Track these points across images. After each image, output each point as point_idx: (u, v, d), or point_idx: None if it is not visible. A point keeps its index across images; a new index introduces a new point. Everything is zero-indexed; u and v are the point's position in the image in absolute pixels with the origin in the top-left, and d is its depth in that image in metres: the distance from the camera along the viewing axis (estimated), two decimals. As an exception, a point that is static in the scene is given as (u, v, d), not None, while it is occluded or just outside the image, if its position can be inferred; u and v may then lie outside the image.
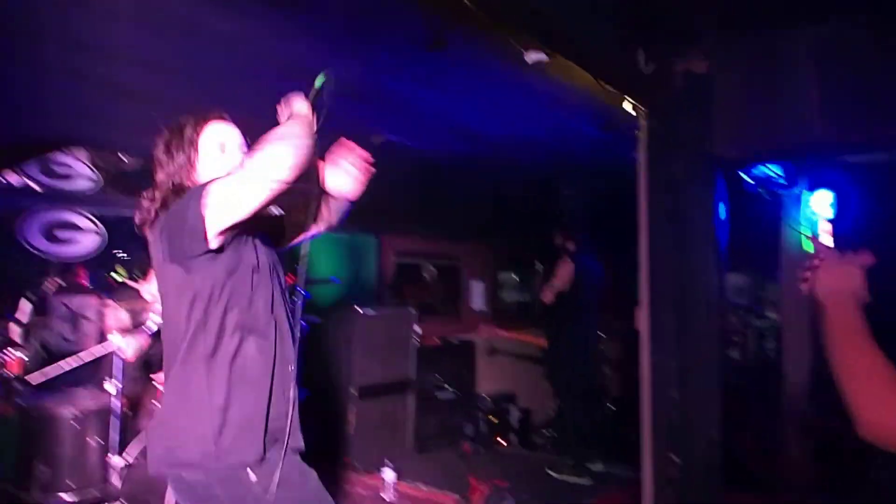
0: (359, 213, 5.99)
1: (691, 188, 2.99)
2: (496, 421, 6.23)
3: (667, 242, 2.98)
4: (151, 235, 1.85)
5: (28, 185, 3.89)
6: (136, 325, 3.32)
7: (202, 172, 1.88)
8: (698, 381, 3.07)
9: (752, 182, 4.32)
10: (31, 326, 3.30)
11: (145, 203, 1.87)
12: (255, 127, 1.86)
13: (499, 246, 7.30)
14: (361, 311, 5.15)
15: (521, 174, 4.97)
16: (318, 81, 1.88)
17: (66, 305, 4.24)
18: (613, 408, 6.97)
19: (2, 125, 3.27)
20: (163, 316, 1.94)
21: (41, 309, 4.09)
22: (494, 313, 7.19)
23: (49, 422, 3.07)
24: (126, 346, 3.12)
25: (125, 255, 4.48)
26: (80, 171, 4.12)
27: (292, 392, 1.88)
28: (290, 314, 1.98)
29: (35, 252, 4.08)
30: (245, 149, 1.94)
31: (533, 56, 2.57)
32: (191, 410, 1.78)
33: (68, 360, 3.11)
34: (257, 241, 1.92)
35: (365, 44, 2.74)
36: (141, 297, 3.80)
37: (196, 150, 1.90)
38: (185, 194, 1.76)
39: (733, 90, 2.95)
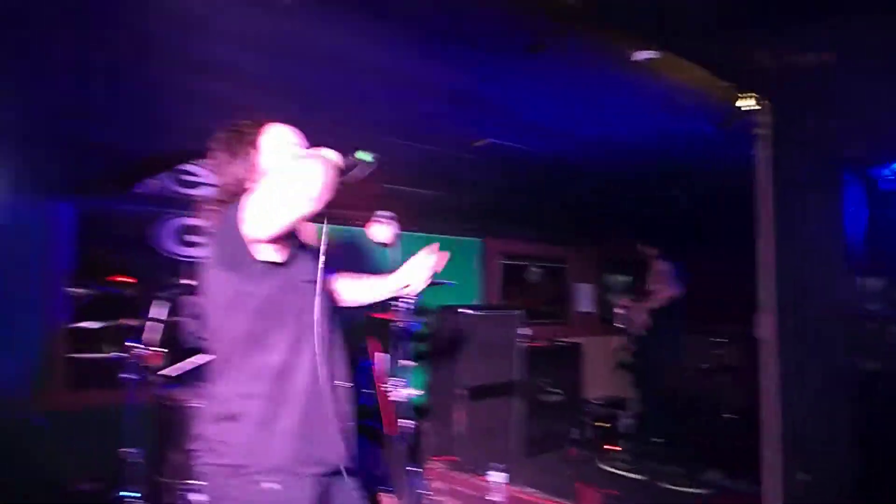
0: (463, 215, 6.08)
1: (816, 188, 2.79)
2: (605, 426, 6.09)
3: (790, 245, 2.79)
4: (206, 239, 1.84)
5: (162, 194, 4.23)
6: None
7: (263, 174, 1.84)
8: (827, 392, 2.86)
9: (890, 179, 3.98)
10: (166, 324, 3.57)
11: (209, 206, 1.85)
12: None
13: (606, 248, 7.13)
14: (468, 313, 5.19)
15: (629, 175, 4.82)
16: (365, 157, 1.86)
17: (197, 305, 4.57)
18: (731, 416, 6.64)
19: (140, 141, 3.56)
20: (209, 321, 1.88)
21: (174, 308, 4.44)
22: (601, 315, 7.03)
23: (182, 412, 3.31)
24: None
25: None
26: (205, 179, 4.44)
27: (342, 407, 1.89)
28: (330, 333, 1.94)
29: (168, 255, 4.44)
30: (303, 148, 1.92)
31: (642, 54, 2.49)
32: (230, 418, 1.77)
33: (199, 356, 3.34)
34: (320, 258, 1.90)
35: (466, 49, 2.76)
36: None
37: (257, 151, 1.88)
38: (239, 201, 1.69)
39: (864, 82, 2.72)
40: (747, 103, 3.02)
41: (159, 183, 4.19)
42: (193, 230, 4.56)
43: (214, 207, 1.83)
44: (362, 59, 2.86)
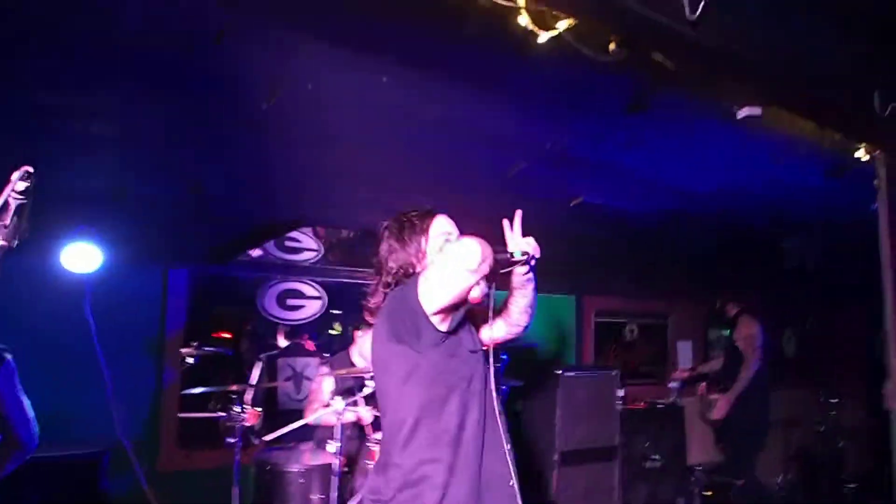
0: (559, 273, 5.99)
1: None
2: (709, 494, 5.69)
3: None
4: (374, 318, 2.04)
5: (267, 258, 4.43)
6: (352, 389, 3.55)
7: (428, 260, 2.04)
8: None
9: None
10: (262, 386, 3.68)
11: (378, 287, 2.07)
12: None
13: (708, 303, 6.82)
14: (562, 373, 5.05)
15: (736, 229, 4.63)
16: (520, 256, 2.03)
17: (291, 367, 4.69)
18: (853, 484, 6.09)
19: (246, 212, 3.76)
20: (380, 393, 2.06)
21: (271, 371, 4.58)
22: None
23: (280, 475, 3.35)
24: (362, 412, 3.35)
25: (341, 312, 4.91)
26: (306, 244, 4.62)
27: (511, 469, 1.97)
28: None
29: (271, 318, 4.61)
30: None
31: (745, 111, 2.40)
32: (413, 484, 1.88)
33: (296, 423, 3.39)
34: (472, 328, 2.09)
35: (566, 114, 2.77)
36: (351, 361, 4.07)
37: (427, 239, 2.07)
38: (410, 281, 1.93)
39: None
40: (860, 154, 2.85)
41: (265, 250, 4.41)
42: (294, 294, 4.73)
43: (383, 289, 2.06)
44: (469, 127, 2.92)
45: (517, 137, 3.07)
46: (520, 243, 2.08)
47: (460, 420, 1.91)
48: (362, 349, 4.03)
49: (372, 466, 2.14)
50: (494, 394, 2.04)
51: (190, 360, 4.10)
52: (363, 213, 4.12)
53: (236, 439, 3.38)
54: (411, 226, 2.09)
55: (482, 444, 1.95)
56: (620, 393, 5.40)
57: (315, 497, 3.32)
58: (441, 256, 1.93)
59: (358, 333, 4.07)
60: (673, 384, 6.12)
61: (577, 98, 2.67)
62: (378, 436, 3.68)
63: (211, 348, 4.25)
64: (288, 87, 2.45)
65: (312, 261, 4.65)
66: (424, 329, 1.87)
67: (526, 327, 2.28)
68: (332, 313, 4.93)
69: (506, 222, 2.11)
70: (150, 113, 2.65)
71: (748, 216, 4.32)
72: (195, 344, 4.11)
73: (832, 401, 6.51)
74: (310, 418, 3.53)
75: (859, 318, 6.35)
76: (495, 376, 3.63)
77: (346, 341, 4.30)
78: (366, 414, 3.79)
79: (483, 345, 2.10)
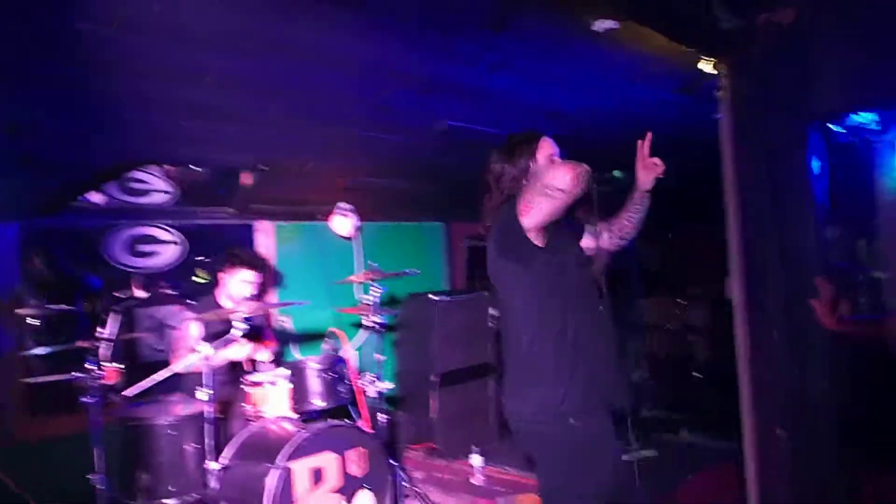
0: (428, 200, 5.97)
1: (783, 147, 2.77)
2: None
3: (760, 207, 2.77)
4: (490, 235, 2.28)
5: (110, 204, 4.02)
6: (221, 332, 3.38)
7: (535, 179, 2.18)
8: (809, 349, 2.87)
9: (842, 131, 4.01)
10: (121, 340, 3.41)
11: (490, 205, 2.34)
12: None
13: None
14: (436, 299, 5.12)
15: (597, 150, 4.78)
16: (618, 174, 2.42)
17: (152, 317, 4.38)
18: (700, 375, 6.76)
19: (82, 151, 3.35)
20: (500, 304, 2.40)
21: (129, 322, 4.24)
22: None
23: (147, 430, 3.16)
24: (215, 354, 3.17)
25: (205, 259, 4.61)
26: (155, 185, 4.23)
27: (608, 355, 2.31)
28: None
29: (120, 267, 4.24)
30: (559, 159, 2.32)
31: (602, 24, 2.42)
32: (542, 381, 2.20)
33: (161, 372, 3.19)
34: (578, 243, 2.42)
35: (434, 37, 2.65)
36: (219, 304, 3.87)
37: (535, 159, 2.28)
38: (515, 200, 2.14)
39: (826, 38, 2.69)
40: (707, 67, 2.98)
41: (106, 194, 3.98)
42: (146, 240, 4.36)
43: (496, 206, 2.30)
44: (328, 54, 2.72)
45: (382, 64, 2.93)
46: (647, 164, 2.32)
47: (572, 327, 2.17)
48: (230, 291, 3.84)
49: (508, 390, 2.32)
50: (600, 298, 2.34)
51: (31, 321, 3.73)
52: (222, 150, 3.83)
53: (94, 398, 3.12)
54: (520, 147, 2.30)
55: (590, 346, 2.21)
56: (492, 312, 5.58)
57: (188, 447, 3.18)
58: (541, 177, 2.10)
59: (223, 276, 3.86)
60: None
61: (440, 20, 2.57)
62: (255, 377, 3.57)
63: (54, 306, 3.87)
64: (130, 9, 2.15)
65: (164, 203, 4.28)
66: (525, 245, 2.11)
67: (630, 241, 2.49)
68: (196, 260, 4.62)
69: (639, 143, 2.35)
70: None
71: (610, 135, 4.47)
72: (35, 303, 3.73)
73: (683, 303, 7.14)
74: (176, 366, 3.33)
75: (714, 229, 6.93)
76: (371, 307, 3.64)
77: (210, 285, 4.06)
78: (241, 351, 3.64)
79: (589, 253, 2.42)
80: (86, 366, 3.12)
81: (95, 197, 3.94)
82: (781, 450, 2.95)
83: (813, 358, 2.85)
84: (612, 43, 2.77)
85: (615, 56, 3.03)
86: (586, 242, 2.47)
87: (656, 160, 2.32)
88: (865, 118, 4.07)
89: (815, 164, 2.97)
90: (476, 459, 4.48)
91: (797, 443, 2.92)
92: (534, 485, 4.24)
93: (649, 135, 2.32)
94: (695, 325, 7.20)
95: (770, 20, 2.71)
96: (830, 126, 3.80)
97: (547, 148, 2.33)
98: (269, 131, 3.59)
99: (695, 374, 6.74)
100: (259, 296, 4.63)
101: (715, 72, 2.84)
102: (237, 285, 3.82)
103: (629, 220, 2.44)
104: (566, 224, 2.34)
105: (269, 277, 4.89)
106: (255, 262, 3.96)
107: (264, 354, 3.86)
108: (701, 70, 2.88)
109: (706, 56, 2.78)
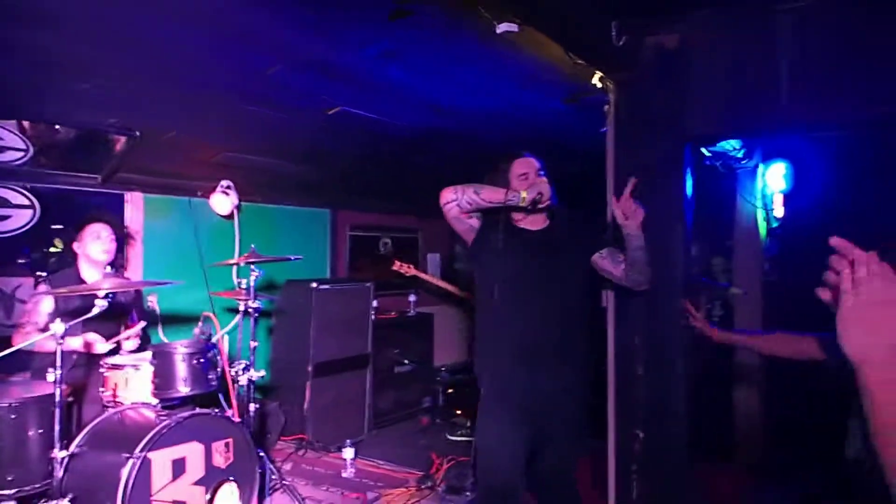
0: (314, 186, 5.83)
1: (660, 165, 2.94)
2: (452, 391, 6.22)
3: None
4: None
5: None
6: (76, 311, 3.11)
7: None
8: (664, 357, 3.07)
9: (708, 155, 4.34)
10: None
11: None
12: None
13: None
14: (316, 287, 5.01)
15: (485, 148, 4.86)
16: (523, 202, 2.60)
17: (-1, 288, 3.97)
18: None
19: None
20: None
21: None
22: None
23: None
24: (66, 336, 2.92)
25: (62, 227, 4.23)
26: (9, 142, 3.82)
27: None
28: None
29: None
30: (542, 174, 2.73)
31: (503, 26, 2.45)
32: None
33: (4, 351, 2.88)
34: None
35: (326, 14, 2.56)
36: (81, 278, 3.58)
37: (510, 180, 2.70)
38: None
39: (706, 65, 2.89)
40: (595, 80, 3.11)
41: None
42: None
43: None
44: (217, 19, 2.55)
45: (274, 37, 2.80)
46: (624, 208, 2.57)
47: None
48: (87, 252, 3.56)
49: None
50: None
51: None
52: (89, 110, 3.51)
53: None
54: (495, 172, 2.76)
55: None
56: (374, 304, 5.55)
57: (33, 433, 2.90)
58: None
59: (78, 239, 3.57)
60: (412, 296, 6.44)
61: (339, 1, 2.50)
62: (114, 359, 3.33)
63: None
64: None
65: (18, 162, 3.87)
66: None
67: (645, 283, 2.73)
68: (52, 229, 4.23)
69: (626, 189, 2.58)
70: None
71: (495, 135, 4.56)
72: None
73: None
74: (20, 345, 3.03)
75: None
76: (247, 291, 3.49)
77: (70, 258, 3.74)
78: (101, 346, 3.39)
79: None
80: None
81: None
82: (639, 448, 3.15)
83: (665, 364, 3.05)
84: (508, 46, 2.82)
85: (509, 59, 3.09)
86: (601, 260, 2.76)
87: (634, 206, 2.56)
88: (730, 144, 4.43)
89: (689, 184, 3.18)
90: (348, 452, 4.44)
91: (652, 442, 3.13)
92: (404, 479, 4.29)
93: (633, 181, 2.56)
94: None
95: (656, 42, 2.87)
96: (701, 149, 4.10)
97: (517, 168, 2.74)
98: (142, 94, 3.34)
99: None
100: (120, 269, 4.33)
101: (603, 87, 2.97)
102: (92, 244, 3.55)
103: (630, 260, 2.67)
104: (587, 227, 2.83)
105: (130, 250, 4.58)
106: (108, 218, 3.69)
107: (130, 344, 3.62)
108: (593, 84, 3.01)
109: (598, 70, 2.90)
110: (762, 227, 5.04)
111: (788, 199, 4.99)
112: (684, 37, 2.86)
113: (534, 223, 2.81)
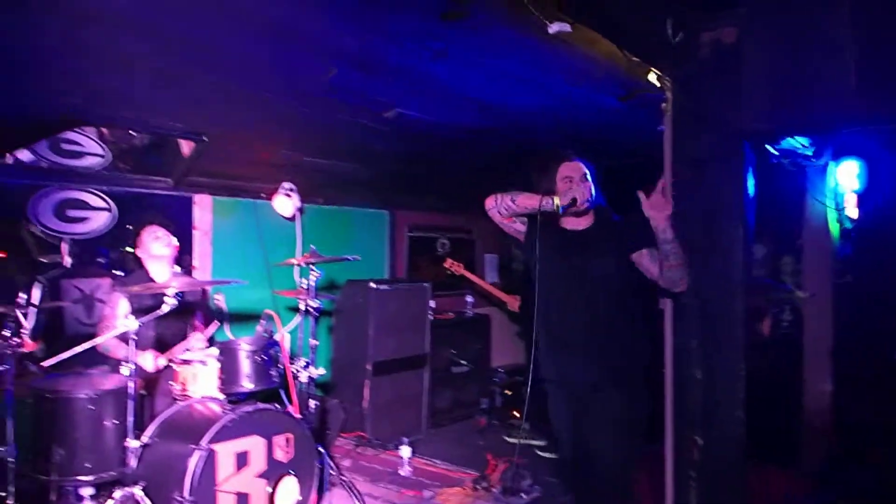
0: (373, 187, 5.92)
1: (718, 163, 2.87)
2: (510, 393, 6.22)
3: (694, 219, 2.87)
4: None
5: (39, 164, 3.82)
6: (149, 309, 3.28)
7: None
8: (723, 361, 3.00)
9: (776, 153, 4.19)
10: (44, 309, 3.26)
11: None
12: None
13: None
14: (375, 287, 5.10)
15: (539, 146, 4.84)
16: (559, 208, 2.73)
17: (78, 288, 4.21)
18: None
19: (11, 105, 3.17)
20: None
21: (54, 291, 4.05)
22: (505, 284, 7.13)
23: (65, 403, 3.04)
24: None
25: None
26: (90, 148, 4.05)
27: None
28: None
29: (47, 231, 4.05)
30: (588, 178, 2.83)
31: (555, 26, 2.45)
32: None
33: (84, 344, 3.07)
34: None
35: (379, 16, 2.62)
36: (151, 277, 3.76)
37: (555, 182, 2.82)
38: None
39: (764, 60, 2.80)
40: (652, 78, 3.06)
41: (35, 153, 3.78)
42: (76, 204, 4.18)
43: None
44: (276, 25, 2.65)
45: (330, 41, 2.88)
46: (654, 204, 2.60)
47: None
48: (149, 251, 3.74)
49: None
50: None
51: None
52: (161, 117, 3.70)
53: (8, 367, 2.97)
54: (542, 171, 2.89)
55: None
56: (432, 304, 5.61)
57: (109, 423, 3.07)
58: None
59: (140, 240, 3.76)
60: (468, 297, 6.46)
61: (393, 2, 2.55)
62: (184, 355, 3.48)
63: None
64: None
65: (97, 167, 4.10)
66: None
67: (680, 281, 2.75)
68: (127, 229, 4.46)
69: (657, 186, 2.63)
70: None
71: (546, 135, 4.54)
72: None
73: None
74: (98, 340, 3.22)
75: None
76: (308, 290, 3.59)
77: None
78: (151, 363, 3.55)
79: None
80: (2, 332, 2.97)
81: (23, 154, 3.75)
82: (697, 454, 3.09)
83: (724, 368, 2.97)
84: (562, 43, 2.81)
85: (563, 56, 3.08)
86: (640, 259, 2.81)
87: (664, 200, 2.60)
88: (797, 142, 4.26)
89: (750, 182, 3.09)
90: (405, 451, 4.50)
91: (710, 448, 3.05)
92: (460, 478, 4.32)
93: (662, 181, 2.62)
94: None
95: (712, 38, 2.80)
96: (767, 147, 3.97)
97: (563, 171, 2.85)
98: (210, 100, 3.49)
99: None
100: (188, 269, 4.53)
101: (660, 84, 2.92)
102: (152, 244, 3.72)
103: (664, 258, 2.70)
104: (624, 226, 2.88)
105: (198, 250, 4.77)
106: (161, 220, 3.86)
107: (198, 342, 3.77)
108: (649, 81, 2.96)
109: (653, 68, 2.85)
110: (834, 228, 4.83)
111: (863, 198, 4.76)
112: (742, 31, 2.78)
113: (577, 223, 2.94)
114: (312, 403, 3.79)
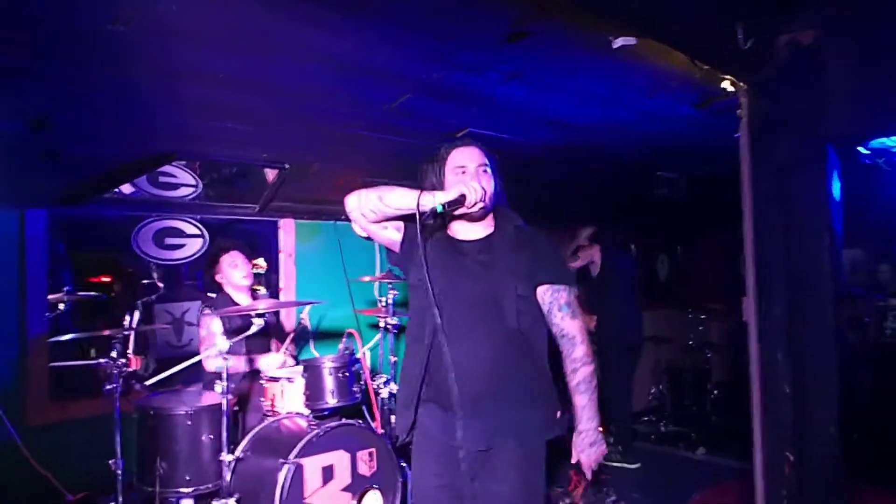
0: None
1: (800, 169, 2.76)
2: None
3: (775, 228, 2.77)
4: None
5: (139, 196, 4.14)
6: (239, 329, 3.46)
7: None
8: (813, 374, 2.86)
9: (867, 153, 3.98)
10: (141, 331, 3.48)
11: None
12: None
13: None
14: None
15: (613, 159, 4.80)
16: (439, 206, 2.03)
17: (169, 313, 4.49)
18: (716, 393, 6.71)
19: (117, 147, 3.46)
20: None
21: (148, 318, 4.33)
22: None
23: (166, 419, 3.25)
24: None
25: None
26: (183, 179, 4.35)
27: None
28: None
29: (148, 258, 4.36)
30: (489, 170, 2.23)
31: (620, 41, 2.45)
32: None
33: (185, 363, 3.28)
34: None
35: (448, 45, 2.70)
36: (233, 301, 3.95)
37: (443, 175, 2.22)
38: None
39: (847, 59, 2.68)
40: (726, 85, 2.99)
41: (136, 186, 4.10)
42: (173, 232, 4.48)
43: None
44: (345, 59, 2.78)
45: (399, 69, 2.99)
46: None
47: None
48: (229, 279, 3.94)
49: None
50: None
51: (60, 307, 3.85)
52: (246, 148, 3.92)
53: (115, 385, 3.22)
54: (431, 162, 2.28)
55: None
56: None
57: (205, 438, 3.26)
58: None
59: (218, 266, 3.96)
60: None
61: (459, 27, 2.62)
62: (272, 372, 3.65)
63: (82, 293, 4.00)
64: (146, 8, 2.23)
65: (190, 197, 4.39)
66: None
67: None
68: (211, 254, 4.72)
69: None
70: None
71: (624, 147, 4.49)
72: (66, 289, 3.85)
73: (701, 317, 7.09)
74: (196, 358, 3.44)
75: (726, 243, 6.90)
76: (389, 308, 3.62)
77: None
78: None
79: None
80: (111, 353, 3.22)
81: (125, 188, 4.07)
82: (789, 472, 2.95)
83: (814, 381, 2.84)
84: (632, 56, 2.79)
85: (632, 69, 3.05)
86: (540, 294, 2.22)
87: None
88: (892, 141, 4.03)
89: (836, 186, 2.96)
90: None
91: (803, 465, 2.92)
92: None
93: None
94: (713, 342, 7.16)
95: (789, 40, 2.71)
96: (858, 149, 3.78)
97: (454, 160, 2.25)
98: (291, 132, 3.68)
99: (713, 391, 6.70)
100: (273, 290, 4.74)
101: (734, 90, 2.85)
102: (232, 272, 3.90)
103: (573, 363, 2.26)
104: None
105: (283, 271, 4.98)
106: (238, 245, 4.04)
107: (279, 359, 3.94)
108: (723, 88, 2.90)
109: (726, 75, 2.79)
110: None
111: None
112: (821, 30, 2.67)
113: (470, 231, 2.25)
114: (393, 418, 3.87)
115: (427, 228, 2.16)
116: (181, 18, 2.23)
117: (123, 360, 3.23)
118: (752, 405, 3.13)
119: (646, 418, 6.61)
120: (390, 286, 3.98)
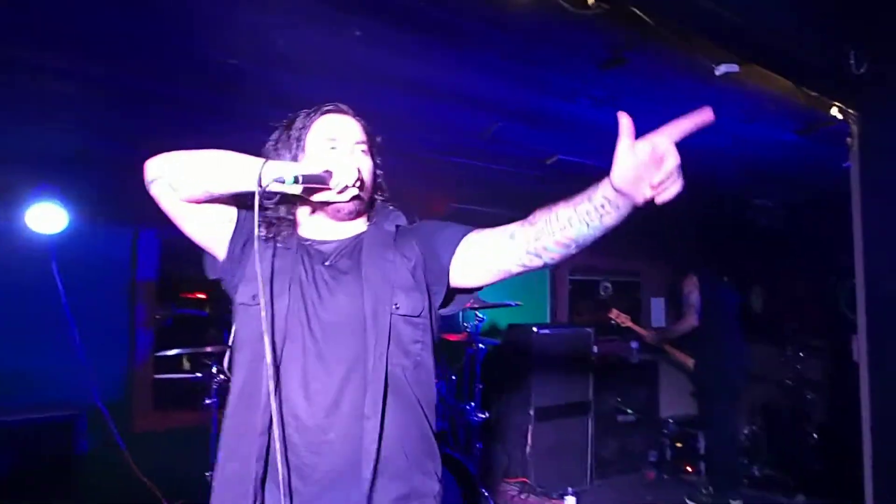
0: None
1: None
2: (681, 446, 5.87)
3: (889, 263, 2.60)
4: None
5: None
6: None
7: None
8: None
9: None
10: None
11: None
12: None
13: (683, 261, 6.90)
14: (537, 331, 5.11)
15: (707, 187, 4.66)
16: (291, 179, 1.38)
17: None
18: (817, 436, 6.30)
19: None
20: None
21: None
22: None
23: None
24: None
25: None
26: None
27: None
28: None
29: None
30: (366, 150, 1.63)
31: (723, 67, 2.39)
32: None
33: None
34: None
35: (540, 72, 2.72)
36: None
37: (303, 147, 1.57)
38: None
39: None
40: (834, 112, 2.87)
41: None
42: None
43: None
44: (437, 87, 2.85)
45: (492, 96, 3.03)
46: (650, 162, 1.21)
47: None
48: None
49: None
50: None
51: (167, 324, 4.08)
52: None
53: (213, 399, 3.37)
54: (287, 131, 1.62)
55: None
56: (595, 350, 5.49)
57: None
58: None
59: None
60: (633, 343, 6.21)
61: (554, 54, 2.64)
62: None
63: (186, 310, 4.22)
64: (254, 42, 2.37)
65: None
66: None
67: (565, 254, 1.49)
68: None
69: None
70: (107, 73, 2.55)
71: (720, 174, 4.35)
72: (170, 305, 4.08)
73: (799, 354, 6.69)
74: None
75: (824, 275, 6.53)
76: (473, 334, 3.56)
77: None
78: None
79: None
80: (210, 369, 3.38)
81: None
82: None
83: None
84: (730, 81, 2.72)
85: (731, 94, 2.97)
86: (476, 246, 1.59)
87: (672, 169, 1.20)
88: None
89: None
90: (570, 501, 4.40)
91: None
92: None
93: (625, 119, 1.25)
94: (812, 380, 6.74)
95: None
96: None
97: (329, 128, 1.61)
98: (387, 157, 3.79)
99: (813, 434, 6.29)
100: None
101: (843, 117, 2.73)
102: None
103: (576, 223, 1.39)
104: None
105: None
106: None
107: None
108: (831, 115, 2.78)
109: (834, 102, 2.67)
110: None
111: None
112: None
113: (335, 230, 1.60)
114: (477, 446, 3.85)
115: (268, 221, 1.53)
116: (293, 51, 2.35)
117: (222, 377, 3.38)
118: (863, 452, 2.93)
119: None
120: (476, 313, 3.99)
